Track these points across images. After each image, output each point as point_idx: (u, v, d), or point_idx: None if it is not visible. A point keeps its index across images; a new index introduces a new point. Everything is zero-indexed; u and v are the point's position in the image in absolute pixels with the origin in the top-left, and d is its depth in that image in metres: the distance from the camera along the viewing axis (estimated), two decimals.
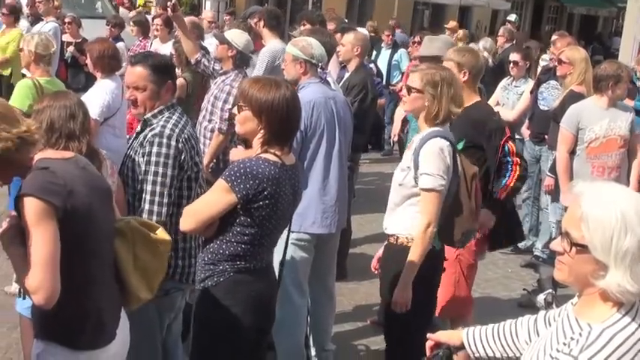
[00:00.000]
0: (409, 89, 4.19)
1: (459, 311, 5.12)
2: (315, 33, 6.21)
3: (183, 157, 3.94)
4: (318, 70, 5.10)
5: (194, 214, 3.53)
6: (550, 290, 6.12)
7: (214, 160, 6.15)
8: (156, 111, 4.06)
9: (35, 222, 2.71)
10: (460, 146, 4.29)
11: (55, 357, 2.99)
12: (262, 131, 3.52)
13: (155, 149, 3.90)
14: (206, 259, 3.61)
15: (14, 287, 5.44)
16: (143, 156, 3.92)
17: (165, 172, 3.89)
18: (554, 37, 10.20)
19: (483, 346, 2.76)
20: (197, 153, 4.11)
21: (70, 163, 2.99)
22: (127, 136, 5.89)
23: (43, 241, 2.71)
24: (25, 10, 12.63)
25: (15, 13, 10.79)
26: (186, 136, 3.99)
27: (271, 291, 3.83)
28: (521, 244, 8.23)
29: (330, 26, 8.78)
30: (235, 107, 3.66)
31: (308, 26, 7.99)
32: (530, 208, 8.25)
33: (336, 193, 5.04)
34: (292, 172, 3.63)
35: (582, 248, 2.13)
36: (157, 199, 3.88)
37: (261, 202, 3.43)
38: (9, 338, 5.39)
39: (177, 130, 3.96)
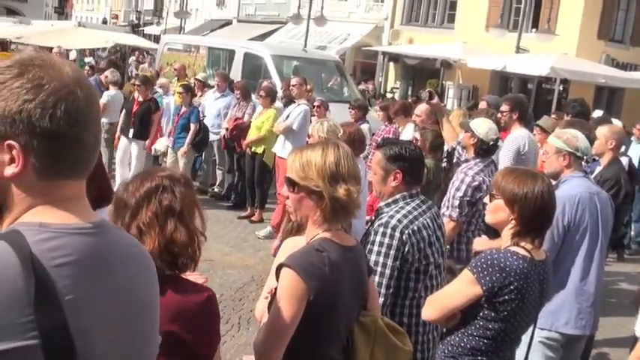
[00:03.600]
0: None
1: None
2: (574, 125, 6.05)
3: (407, 249, 3.86)
4: (583, 163, 4.94)
5: (437, 303, 3.49)
6: None
7: (447, 247, 6.07)
8: (390, 200, 4.06)
9: (287, 296, 2.78)
10: None
11: None
12: (514, 222, 3.45)
13: (378, 239, 3.88)
14: (446, 351, 3.54)
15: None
16: (371, 244, 3.91)
17: (386, 262, 3.84)
18: None
19: None
20: (430, 244, 3.98)
21: (346, 251, 2.98)
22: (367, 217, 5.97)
23: (286, 314, 2.77)
24: (280, 92, 13.44)
25: (271, 95, 11.47)
26: (415, 228, 3.90)
27: None
28: None
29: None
30: (487, 196, 3.61)
31: (569, 117, 7.87)
32: None
33: (593, 293, 4.81)
34: (542, 268, 3.49)
35: None
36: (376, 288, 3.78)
37: (506, 297, 3.33)
38: None
39: (405, 222, 3.90)
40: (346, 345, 3.04)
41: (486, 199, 3.62)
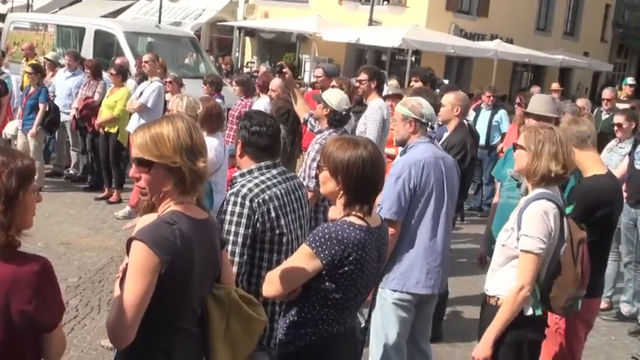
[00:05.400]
0: (515, 146, 4.18)
1: None
2: (421, 93, 6.23)
3: (257, 217, 3.90)
4: (428, 129, 5.09)
5: (277, 281, 3.44)
6: None
7: None
8: (245, 170, 4.12)
9: (139, 270, 2.75)
10: (569, 210, 4.18)
11: None
12: (341, 192, 3.45)
13: (230, 208, 3.92)
14: (288, 322, 3.54)
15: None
16: (224, 214, 3.94)
17: (238, 231, 3.89)
18: None
19: None
20: (285, 214, 4.04)
21: (198, 224, 2.95)
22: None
23: (138, 289, 2.74)
24: (133, 70, 13.15)
25: (123, 73, 11.25)
26: (266, 197, 3.95)
27: (354, 355, 3.76)
28: (625, 311, 7.97)
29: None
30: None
31: (419, 84, 8.11)
32: (634, 273, 7.94)
33: (441, 253, 4.99)
34: (378, 234, 3.52)
35: None
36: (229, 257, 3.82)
37: (346, 268, 3.34)
38: None
39: (256, 190, 3.94)
40: (201, 317, 3.04)
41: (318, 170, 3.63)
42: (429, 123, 5.05)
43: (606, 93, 12.29)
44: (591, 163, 4.93)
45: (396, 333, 4.93)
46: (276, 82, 9.05)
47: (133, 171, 2.96)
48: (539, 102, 6.36)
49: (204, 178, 2.96)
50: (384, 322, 4.96)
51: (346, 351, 3.60)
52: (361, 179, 3.41)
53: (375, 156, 3.48)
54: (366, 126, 7.47)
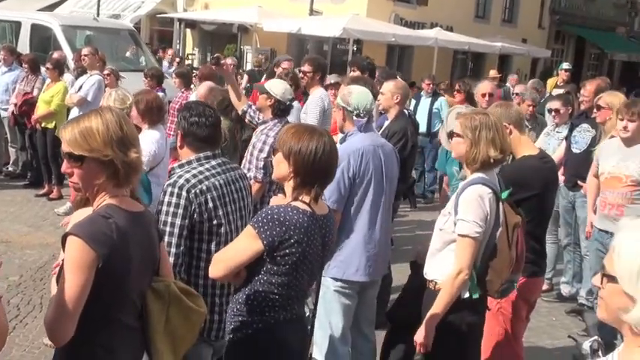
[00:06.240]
0: (451, 134, 4.21)
1: None
2: (357, 81, 6.26)
3: (194, 207, 3.91)
4: (354, 117, 5.09)
5: (222, 261, 3.48)
6: (596, 337, 5.96)
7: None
8: (184, 161, 4.11)
9: (75, 265, 2.71)
10: (504, 195, 4.26)
11: None
12: (292, 175, 3.50)
13: (167, 198, 3.91)
14: (235, 310, 3.56)
15: None
16: (161, 204, 3.94)
17: (175, 221, 3.89)
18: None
19: None
20: (223, 205, 4.05)
21: (134, 217, 2.94)
22: None
23: (75, 285, 2.70)
24: (71, 64, 12.94)
25: (59, 68, 11.10)
26: (204, 188, 3.96)
27: (302, 343, 3.78)
28: (565, 292, 8.14)
29: None
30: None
31: (358, 72, 8.13)
32: (572, 255, 8.12)
33: (380, 240, 5.04)
34: (323, 222, 3.57)
35: (612, 279, 2.10)
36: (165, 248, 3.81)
37: (287, 250, 3.37)
38: None
39: (193, 181, 3.95)
40: (140, 311, 3.02)
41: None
42: (355, 112, 5.06)
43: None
44: (523, 145, 4.98)
45: (339, 320, 4.98)
46: (200, 91, 8.83)
47: (64, 167, 2.92)
48: None
49: (138, 169, 2.94)
50: (327, 310, 5.00)
51: (294, 337, 3.62)
52: (312, 166, 3.47)
53: (330, 146, 3.55)
54: (307, 115, 7.50)
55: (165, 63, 19.44)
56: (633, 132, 6.16)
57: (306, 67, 7.95)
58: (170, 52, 21.26)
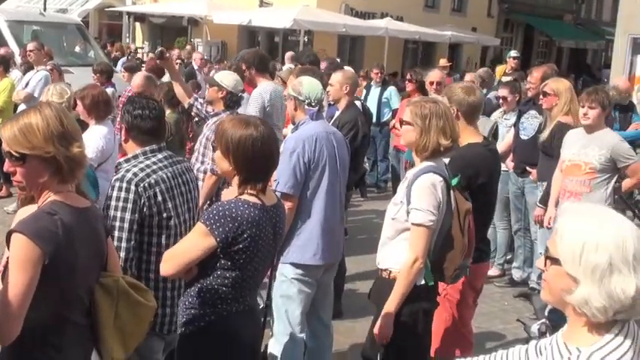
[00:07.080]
0: (401, 122, 4.24)
1: (454, 351, 4.99)
2: (306, 72, 6.27)
3: (143, 201, 3.89)
4: (306, 106, 5.11)
5: (173, 259, 3.44)
6: (544, 320, 6.10)
7: (208, 202, 6.14)
8: (130, 155, 4.09)
9: (20, 263, 2.67)
10: (454, 182, 4.30)
11: None
12: (235, 171, 3.47)
13: (115, 193, 3.89)
14: (187, 303, 3.54)
15: None
16: (109, 199, 3.91)
17: (124, 216, 3.86)
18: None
19: None
20: (171, 198, 4.03)
21: (80, 213, 2.91)
22: None
23: (20, 283, 2.66)
24: (18, 60, 12.73)
25: (5, 64, 10.91)
26: (152, 181, 3.94)
27: (255, 334, 3.79)
28: (516, 276, 8.26)
29: (322, 66, 8.95)
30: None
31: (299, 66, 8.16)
32: (523, 240, 8.23)
33: (336, 224, 5.10)
34: (273, 212, 3.56)
35: (555, 261, 2.14)
36: (115, 243, 3.77)
37: (241, 245, 3.36)
38: None
39: (141, 175, 3.92)
40: (89, 308, 3.00)
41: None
42: (307, 101, 5.08)
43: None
44: (468, 133, 4.99)
45: (296, 307, 4.99)
46: (136, 81, 8.77)
47: (6, 166, 2.87)
48: None
49: (82, 163, 2.91)
50: (284, 298, 5.01)
51: (247, 329, 3.62)
52: (252, 158, 3.44)
53: (265, 134, 3.50)
54: (246, 112, 7.41)
55: (123, 59, 19.15)
56: (594, 119, 6.27)
57: (244, 65, 7.98)
58: (117, 45, 21.06)
